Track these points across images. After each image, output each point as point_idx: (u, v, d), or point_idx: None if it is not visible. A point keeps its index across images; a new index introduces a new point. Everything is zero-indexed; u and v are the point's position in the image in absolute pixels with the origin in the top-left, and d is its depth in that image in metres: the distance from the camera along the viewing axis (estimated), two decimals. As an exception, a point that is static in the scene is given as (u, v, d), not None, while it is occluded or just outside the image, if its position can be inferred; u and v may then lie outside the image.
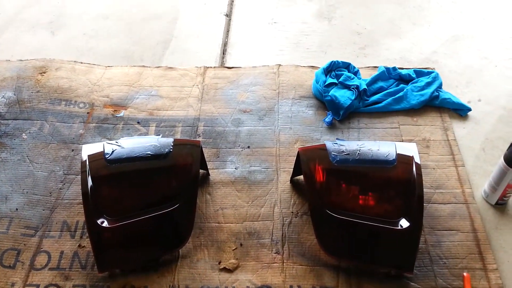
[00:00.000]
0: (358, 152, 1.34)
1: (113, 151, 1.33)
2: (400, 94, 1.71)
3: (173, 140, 1.39)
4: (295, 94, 1.76)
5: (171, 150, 1.35)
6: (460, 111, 1.70)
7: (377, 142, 1.42)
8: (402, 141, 1.60)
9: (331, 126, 1.66)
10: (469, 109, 1.70)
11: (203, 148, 1.50)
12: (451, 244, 1.35)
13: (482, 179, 1.49)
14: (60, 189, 1.46)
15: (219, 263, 1.32)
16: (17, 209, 1.41)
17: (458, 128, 1.66)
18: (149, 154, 1.34)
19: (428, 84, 1.73)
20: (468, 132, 1.65)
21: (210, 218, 1.41)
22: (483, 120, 1.68)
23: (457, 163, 1.54)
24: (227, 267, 1.31)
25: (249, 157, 1.57)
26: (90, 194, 1.25)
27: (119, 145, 1.35)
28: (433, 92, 1.70)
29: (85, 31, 2.04)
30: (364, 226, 1.25)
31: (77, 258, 1.32)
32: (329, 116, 1.66)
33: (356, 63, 1.83)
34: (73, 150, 1.56)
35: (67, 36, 2.02)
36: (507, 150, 1.33)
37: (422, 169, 1.42)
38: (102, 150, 1.33)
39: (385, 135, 1.62)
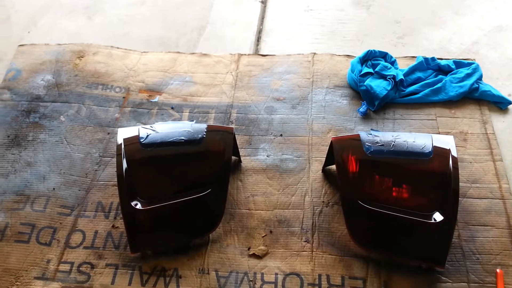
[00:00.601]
0: (393, 143, 1.32)
1: (147, 136, 1.35)
2: (439, 85, 1.66)
3: (206, 126, 1.40)
4: (329, 83, 1.74)
5: (204, 136, 1.36)
6: (500, 104, 1.64)
7: (413, 134, 1.39)
8: (439, 134, 1.56)
9: (366, 117, 1.63)
10: (510, 102, 1.64)
11: (235, 136, 1.51)
12: (485, 239, 1.32)
13: (521, 175, 1.44)
14: (96, 170, 1.50)
15: (249, 249, 1.33)
16: (54, 188, 1.45)
17: (498, 121, 1.60)
18: (183, 139, 1.35)
19: (468, 76, 1.68)
20: (508, 125, 1.59)
21: (241, 204, 1.42)
22: (524, 114, 1.63)
23: (495, 157, 1.50)
24: (256, 253, 1.31)
25: (281, 145, 1.56)
26: (125, 176, 1.28)
27: (153, 130, 1.37)
28: (472, 84, 1.65)
29: (121, 16, 2.07)
30: (396, 218, 1.23)
31: (110, 238, 1.35)
32: (364, 106, 1.64)
33: (393, 53, 1.79)
34: (108, 133, 1.60)
35: (103, 21, 2.05)
36: (550, 145, 1.28)
37: (459, 163, 1.40)
38: (137, 134, 1.35)
39: (421, 127, 1.59)
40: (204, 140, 1.36)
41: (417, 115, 1.63)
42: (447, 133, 1.56)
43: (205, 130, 1.38)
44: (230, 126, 1.60)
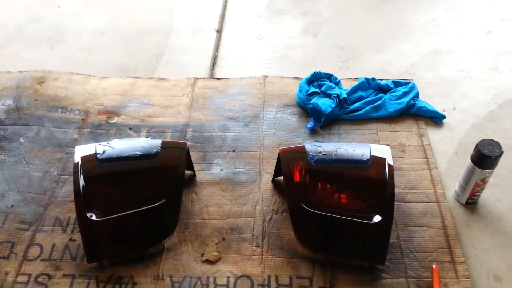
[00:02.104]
0: (334, 152, 1.43)
1: (104, 152, 1.42)
2: (379, 102, 1.81)
3: (161, 141, 1.48)
4: (279, 102, 1.87)
5: (159, 150, 1.44)
6: (435, 119, 1.79)
7: (353, 144, 1.51)
8: (379, 145, 1.69)
9: (313, 132, 1.75)
10: (444, 117, 1.79)
11: (191, 152, 1.59)
12: (422, 239, 1.42)
13: (454, 181, 1.56)
14: (54, 188, 1.55)
15: (202, 255, 1.39)
16: (12, 205, 1.49)
17: (433, 134, 1.75)
18: (138, 154, 1.42)
19: (405, 94, 1.83)
20: (442, 138, 1.74)
21: (195, 215, 1.49)
22: (457, 127, 1.78)
23: (431, 166, 1.63)
24: (209, 259, 1.38)
25: (234, 159, 1.65)
26: (82, 191, 1.33)
27: (110, 146, 1.45)
28: (409, 101, 1.80)
29: (83, 46, 2.16)
30: (338, 220, 1.32)
31: (67, 250, 1.39)
32: (311, 122, 1.76)
33: (339, 75, 1.94)
34: (67, 153, 1.65)
35: (65, 50, 2.14)
36: (473, 150, 1.42)
37: (397, 171, 1.52)
38: (94, 151, 1.42)
39: (364, 141, 1.71)
40: (158, 155, 1.44)
41: (360, 130, 1.76)
42: (387, 145, 1.68)
43: (160, 145, 1.46)
44: (185, 141, 1.68)
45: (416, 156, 1.66)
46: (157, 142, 1.48)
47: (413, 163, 1.64)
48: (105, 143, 1.47)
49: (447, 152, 1.68)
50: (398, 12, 2.39)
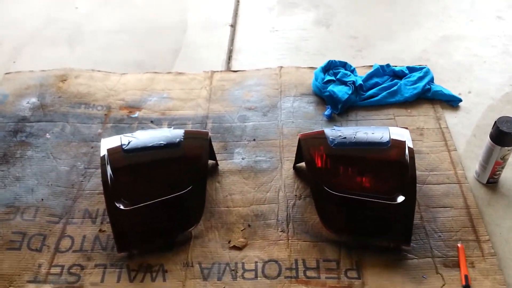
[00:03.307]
0: (354, 136, 1.45)
1: (129, 142, 1.46)
2: (394, 88, 1.83)
3: (184, 131, 1.51)
4: (296, 92, 1.89)
5: (182, 140, 1.48)
6: (451, 102, 1.81)
7: (371, 127, 1.53)
8: (397, 129, 1.71)
9: (331, 119, 1.77)
10: (460, 100, 1.81)
11: (212, 142, 1.62)
12: (445, 219, 1.44)
13: (474, 162, 1.58)
14: (82, 181, 1.59)
15: (229, 242, 1.42)
16: (42, 199, 1.53)
17: (450, 117, 1.77)
18: (162, 143, 1.46)
19: (420, 78, 1.85)
20: (460, 120, 1.76)
21: (219, 203, 1.52)
22: (473, 109, 1.79)
23: (450, 148, 1.65)
24: (236, 245, 1.41)
25: (255, 148, 1.69)
26: (110, 181, 1.37)
27: (134, 137, 1.48)
28: (425, 85, 1.82)
29: (100, 45, 2.20)
30: (362, 201, 1.35)
31: (98, 241, 1.43)
32: (328, 110, 1.78)
33: (353, 64, 1.96)
34: (92, 147, 1.69)
35: (84, 50, 2.18)
36: (492, 128, 1.44)
37: (416, 154, 1.53)
38: (120, 142, 1.46)
39: (382, 126, 1.73)
40: (182, 144, 1.47)
41: (377, 115, 1.79)
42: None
43: (183, 134, 1.49)
44: (206, 130, 1.71)
45: (435, 139, 1.68)
46: (180, 132, 1.51)
47: (432, 145, 1.66)
48: (129, 134, 1.50)
49: (465, 134, 1.70)
50: (408, 1, 2.40)
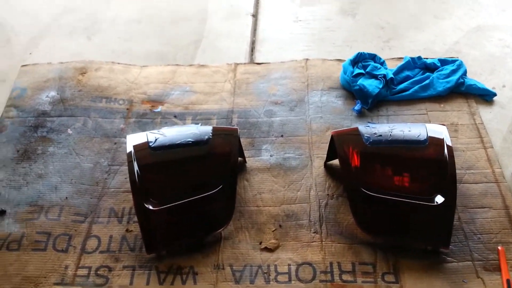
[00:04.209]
0: (390, 133, 1.40)
1: (156, 139, 1.41)
2: (427, 81, 1.76)
3: (212, 128, 1.46)
4: (323, 85, 1.83)
5: (210, 137, 1.42)
6: (485, 96, 1.74)
7: (407, 124, 1.47)
8: (431, 126, 1.65)
9: (361, 114, 1.71)
10: (495, 94, 1.74)
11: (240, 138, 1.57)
12: (484, 220, 1.39)
13: (511, 160, 1.52)
14: (106, 179, 1.54)
15: (260, 243, 1.38)
16: (66, 197, 1.49)
17: (485, 112, 1.70)
18: (190, 141, 1.41)
19: (453, 72, 1.78)
20: (495, 116, 1.69)
21: (249, 202, 1.47)
22: (508, 104, 1.73)
23: (486, 145, 1.59)
24: (268, 246, 1.36)
25: (283, 145, 1.63)
26: (138, 180, 1.32)
27: (161, 134, 1.43)
28: (458, 79, 1.75)
29: (119, 34, 2.14)
30: (399, 203, 1.30)
31: (125, 241, 1.39)
32: (358, 104, 1.72)
33: (381, 55, 1.89)
34: (115, 143, 1.65)
35: (102, 40, 2.12)
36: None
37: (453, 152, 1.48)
38: (146, 139, 1.40)
39: (414, 121, 1.67)
40: (210, 141, 1.42)
41: (409, 110, 1.72)
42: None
43: (211, 131, 1.44)
44: (235, 127, 1.66)
45: (470, 135, 1.62)
46: (208, 129, 1.46)
47: (468, 142, 1.60)
48: (155, 131, 1.45)
49: (501, 130, 1.64)
50: (436, -12, 2.32)
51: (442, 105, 1.73)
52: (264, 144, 1.64)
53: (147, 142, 1.40)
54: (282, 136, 1.66)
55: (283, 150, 1.61)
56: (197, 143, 1.41)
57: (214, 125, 1.67)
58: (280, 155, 1.60)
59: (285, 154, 1.60)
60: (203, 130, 1.46)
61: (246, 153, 1.60)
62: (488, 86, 1.77)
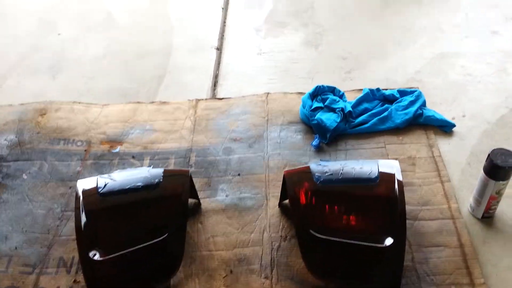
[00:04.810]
0: (341, 171, 1.38)
1: (105, 185, 1.39)
2: (385, 114, 1.75)
3: (163, 170, 1.44)
4: (283, 120, 1.82)
5: (161, 180, 1.41)
6: (444, 128, 1.73)
7: (360, 161, 1.45)
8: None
9: (319, 150, 1.70)
10: (453, 125, 1.73)
11: (195, 179, 1.56)
12: (438, 260, 1.36)
13: (468, 194, 1.50)
14: (58, 226, 1.52)
15: (210, 290, 1.35)
16: (16, 247, 1.47)
17: (444, 144, 1.69)
18: (140, 185, 1.39)
19: (412, 103, 1.77)
20: (454, 147, 1.68)
21: (201, 246, 1.45)
22: (468, 135, 1.71)
23: (443, 178, 1.57)
24: (217, 294, 1.34)
25: (240, 184, 1.61)
26: (84, 228, 1.30)
27: (111, 179, 1.42)
28: (416, 110, 1.74)
29: (84, 72, 2.14)
30: (348, 245, 1.27)
31: (73, 292, 1.37)
32: (317, 139, 1.71)
33: (343, 87, 1.89)
34: (70, 187, 1.63)
35: (66, 79, 2.12)
36: (485, 161, 1.36)
37: (408, 187, 1.47)
38: (96, 184, 1.39)
39: (372, 155, 1.66)
40: (161, 185, 1.40)
41: (367, 144, 1.71)
42: (396, 159, 1.62)
43: (162, 174, 1.42)
44: (188, 169, 1.64)
45: (427, 169, 1.60)
46: (159, 171, 1.44)
47: (425, 176, 1.58)
48: (106, 175, 1.44)
49: (460, 163, 1.62)
50: (400, 17, 2.31)
51: (400, 138, 1.71)
52: (221, 183, 1.62)
53: (96, 188, 1.38)
54: (239, 174, 1.65)
55: (239, 190, 1.60)
56: (146, 187, 1.39)
57: (167, 167, 1.66)
58: (236, 195, 1.58)
59: (241, 194, 1.59)
60: (154, 173, 1.44)
61: (202, 194, 1.58)
62: (449, 116, 1.76)
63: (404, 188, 1.35)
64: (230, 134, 1.79)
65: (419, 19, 2.28)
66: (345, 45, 2.17)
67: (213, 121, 1.84)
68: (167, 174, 1.44)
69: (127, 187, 1.39)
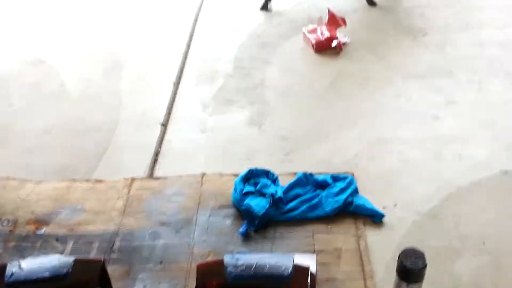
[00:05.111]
0: (254, 266, 1.34)
1: (12, 274, 1.34)
2: (315, 200, 1.74)
3: (73, 259, 1.40)
4: (215, 203, 1.80)
5: (70, 270, 1.37)
6: (374, 218, 1.71)
7: (275, 255, 1.44)
8: (314, 251, 1.60)
9: (246, 237, 1.67)
10: (382, 216, 1.72)
11: (115, 266, 1.53)
12: None
13: (392, 291, 1.47)
14: (-35, 314, 1.46)
15: None
16: None
17: (372, 235, 1.67)
18: (47, 275, 1.35)
19: (342, 190, 1.76)
20: (382, 238, 1.66)
21: None
22: (397, 226, 1.70)
23: (366, 275, 1.53)
24: None
25: (160, 273, 1.57)
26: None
27: (19, 267, 1.37)
28: (347, 198, 1.73)
29: (26, 147, 2.13)
30: None
31: None
32: (244, 226, 1.69)
33: (281, 169, 1.89)
34: (-13, 272, 1.58)
35: (6, 153, 2.11)
36: (397, 261, 1.33)
37: (330, 283, 1.43)
38: (5, 272, 1.35)
39: (298, 245, 1.63)
40: (69, 275, 1.36)
41: (296, 232, 1.69)
42: (322, 251, 1.60)
43: (72, 263, 1.38)
44: (100, 258, 1.60)
45: (352, 263, 1.57)
46: (69, 260, 1.40)
47: (349, 271, 1.55)
48: (16, 262, 1.39)
49: (385, 257, 1.59)
50: (345, 99, 2.34)
51: (329, 226, 1.70)
52: (141, 272, 1.58)
53: (3, 277, 1.34)
54: (161, 263, 1.60)
55: (158, 280, 1.55)
56: (54, 278, 1.35)
57: (91, 254, 1.62)
58: (155, 285, 1.54)
59: (159, 285, 1.54)
60: (64, 262, 1.39)
61: (119, 284, 1.53)
62: (380, 204, 1.75)
63: (326, 283, 1.32)
64: (159, 217, 1.76)
65: (364, 102, 2.32)
66: (288, 124, 2.20)
67: (145, 202, 1.82)
68: (77, 263, 1.40)
69: (33, 277, 1.35)
